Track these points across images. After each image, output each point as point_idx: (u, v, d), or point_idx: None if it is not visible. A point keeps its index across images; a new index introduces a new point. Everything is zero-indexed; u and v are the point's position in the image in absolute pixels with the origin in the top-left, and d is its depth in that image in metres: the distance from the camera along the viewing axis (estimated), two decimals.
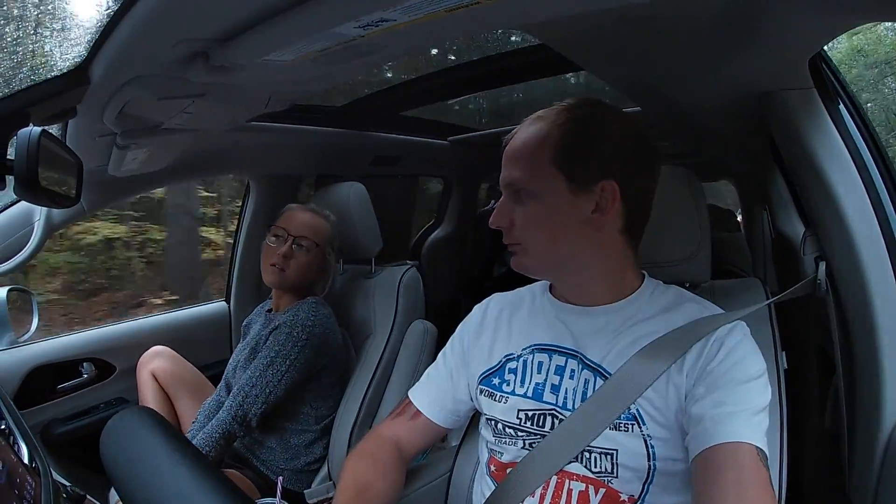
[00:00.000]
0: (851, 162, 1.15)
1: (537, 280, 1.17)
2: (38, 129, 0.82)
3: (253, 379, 1.61)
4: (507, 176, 0.99)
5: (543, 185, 0.95)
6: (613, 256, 1.02)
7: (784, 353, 1.13)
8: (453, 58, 2.23)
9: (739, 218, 5.30)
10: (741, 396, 0.86)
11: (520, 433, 1.02)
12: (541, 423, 1.00)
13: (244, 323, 1.97)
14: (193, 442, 1.56)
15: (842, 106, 1.23)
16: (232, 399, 1.61)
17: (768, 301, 1.14)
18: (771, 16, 0.93)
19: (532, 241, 0.98)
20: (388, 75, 2.45)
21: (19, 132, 0.82)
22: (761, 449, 0.82)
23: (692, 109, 1.64)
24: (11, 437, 1.03)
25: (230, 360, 1.86)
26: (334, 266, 1.90)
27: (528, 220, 0.97)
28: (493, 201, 4.33)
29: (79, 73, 0.93)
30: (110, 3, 0.77)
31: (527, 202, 0.97)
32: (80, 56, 0.91)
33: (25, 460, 1.02)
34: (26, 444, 1.06)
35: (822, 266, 1.26)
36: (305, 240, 1.76)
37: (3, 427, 1.03)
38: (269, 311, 1.88)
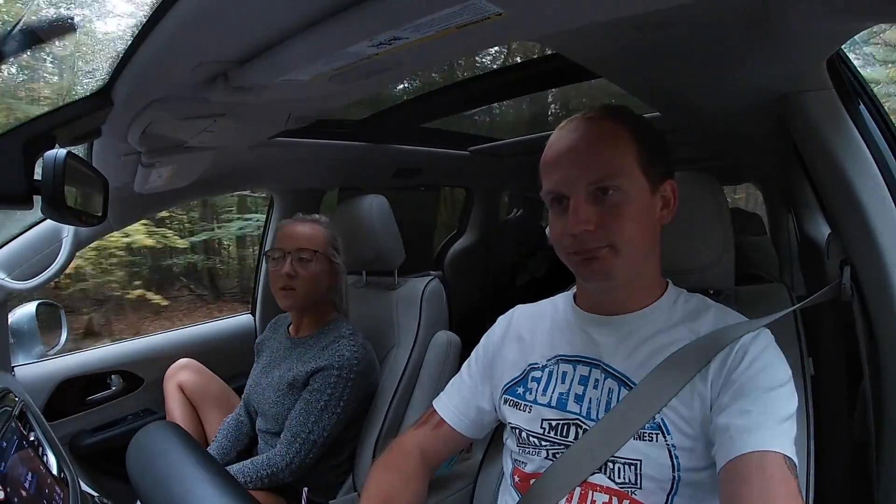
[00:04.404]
0: (873, 163, 1.13)
1: (562, 291, 1.17)
2: (63, 151, 0.84)
3: (309, 425, 1.60)
4: (582, 176, 0.93)
5: (631, 184, 0.93)
6: (658, 259, 1.04)
7: (811, 358, 1.11)
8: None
9: None
10: (767, 404, 0.85)
11: (543, 443, 1.02)
12: (564, 433, 1.00)
13: (257, 341, 1.97)
14: (235, 469, 1.59)
15: (862, 106, 1.22)
16: (287, 446, 1.59)
17: (791, 308, 1.12)
18: (786, 18, 0.92)
19: (627, 238, 0.93)
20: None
21: (46, 154, 0.84)
22: (789, 457, 0.81)
23: (712, 114, 1.63)
24: (40, 449, 1.06)
25: (249, 382, 1.86)
26: (343, 268, 1.84)
27: (622, 217, 0.92)
28: (515, 210, 4.32)
29: (102, 96, 0.95)
30: (132, 27, 0.79)
31: (616, 201, 0.92)
32: (103, 79, 0.94)
33: (54, 471, 1.04)
34: (55, 455, 1.08)
35: (847, 270, 1.24)
36: (305, 251, 1.71)
37: (32, 438, 1.06)
38: (290, 329, 1.86)
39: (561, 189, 0.95)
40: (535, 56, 1.96)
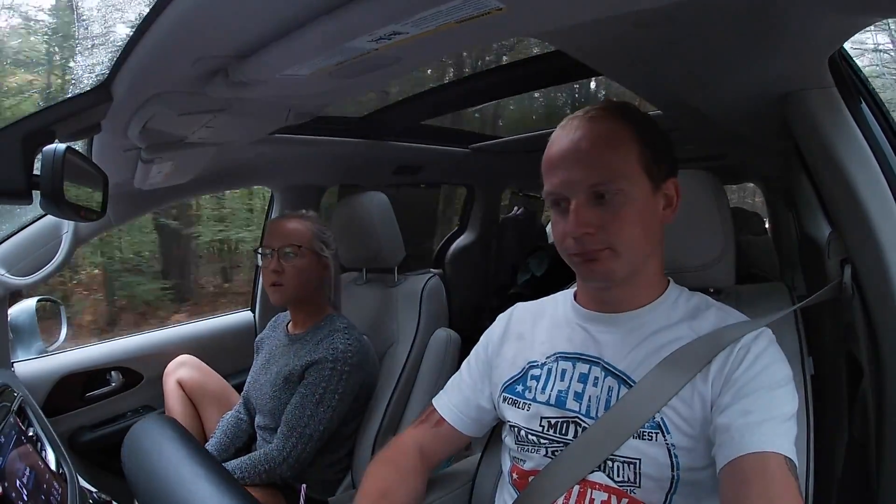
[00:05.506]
0: (875, 161, 1.13)
1: (565, 289, 1.17)
2: (62, 146, 0.84)
3: (304, 419, 1.60)
4: (582, 179, 0.92)
5: (631, 185, 0.92)
6: (661, 257, 1.03)
7: (811, 358, 1.11)
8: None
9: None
10: (768, 404, 0.85)
11: (542, 441, 1.02)
12: (563, 431, 1.00)
13: (257, 339, 1.97)
14: (233, 465, 1.59)
15: (864, 104, 1.21)
16: (284, 440, 1.59)
17: (792, 307, 1.12)
18: (788, 15, 0.91)
19: (627, 241, 0.92)
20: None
21: (45, 149, 0.84)
22: (790, 458, 0.81)
23: (714, 112, 1.62)
24: (39, 444, 1.06)
25: (249, 378, 1.86)
26: (336, 262, 1.84)
27: (622, 220, 0.91)
28: (516, 208, 4.32)
29: (102, 91, 0.95)
30: (131, 22, 0.78)
31: (615, 203, 0.91)
32: (103, 74, 0.93)
33: (52, 467, 1.04)
34: (54, 451, 1.08)
35: (848, 269, 1.24)
36: (288, 247, 1.71)
37: (31, 434, 1.06)
38: (288, 326, 1.87)
39: (561, 191, 0.95)
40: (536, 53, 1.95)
